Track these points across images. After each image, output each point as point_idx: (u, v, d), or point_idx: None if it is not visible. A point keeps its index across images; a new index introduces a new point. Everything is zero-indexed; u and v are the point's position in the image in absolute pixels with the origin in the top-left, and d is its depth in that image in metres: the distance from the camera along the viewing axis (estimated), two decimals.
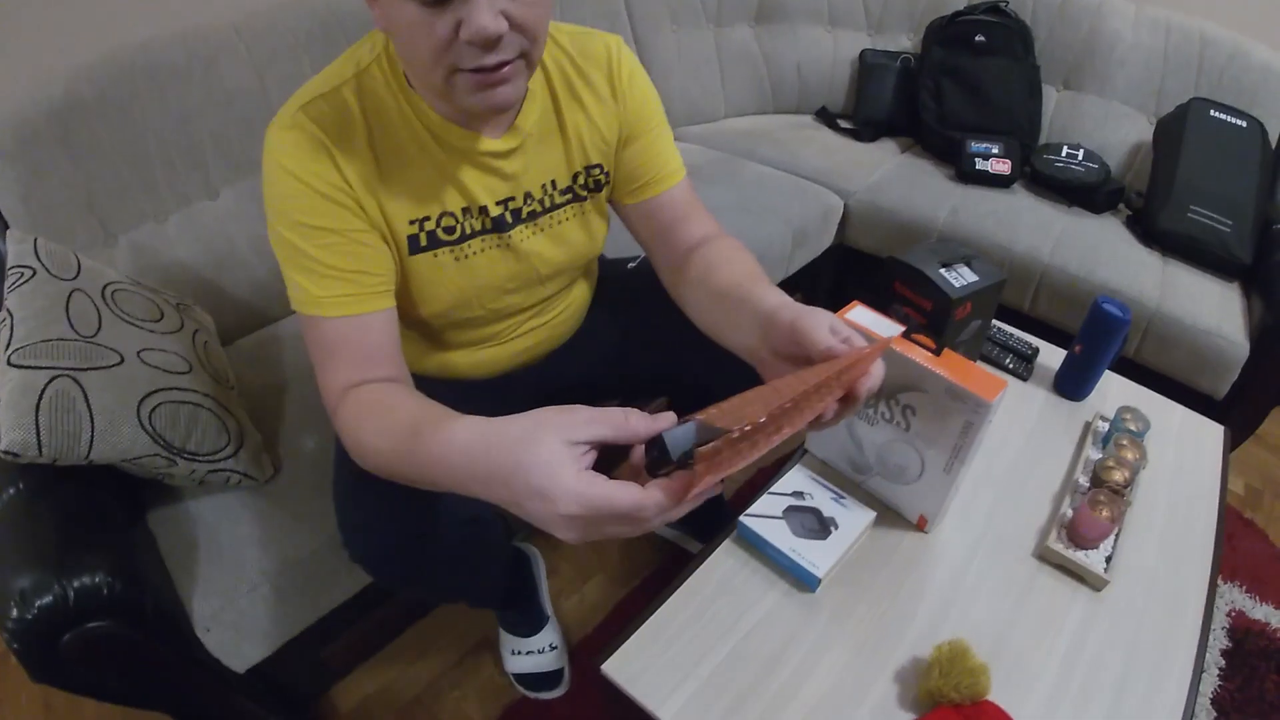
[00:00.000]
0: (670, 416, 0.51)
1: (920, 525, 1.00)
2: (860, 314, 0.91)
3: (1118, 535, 1.01)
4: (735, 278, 0.78)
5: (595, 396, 1.24)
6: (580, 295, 1.07)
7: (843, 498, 0.98)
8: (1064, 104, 2.02)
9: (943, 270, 1.10)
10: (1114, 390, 1.27)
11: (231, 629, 0.94)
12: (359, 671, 1.30)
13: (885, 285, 1.15)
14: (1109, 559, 0.97)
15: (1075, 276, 1.65)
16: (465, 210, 0.82)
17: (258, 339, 1.29)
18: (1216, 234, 1.69)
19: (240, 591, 0.94)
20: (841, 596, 0.92)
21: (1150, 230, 1.77)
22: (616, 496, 0.47)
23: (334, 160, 0.72)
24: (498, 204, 0.84)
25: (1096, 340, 1.17)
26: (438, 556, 0.88)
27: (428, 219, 0.80)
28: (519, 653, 1.29)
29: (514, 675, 1.29)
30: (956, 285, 1.09)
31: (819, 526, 0.94)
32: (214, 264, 1.24)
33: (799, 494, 0.98)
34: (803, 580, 0.90)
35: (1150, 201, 1.81)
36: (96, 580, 0.77)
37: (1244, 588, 1.48)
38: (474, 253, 0.85)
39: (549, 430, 0.49)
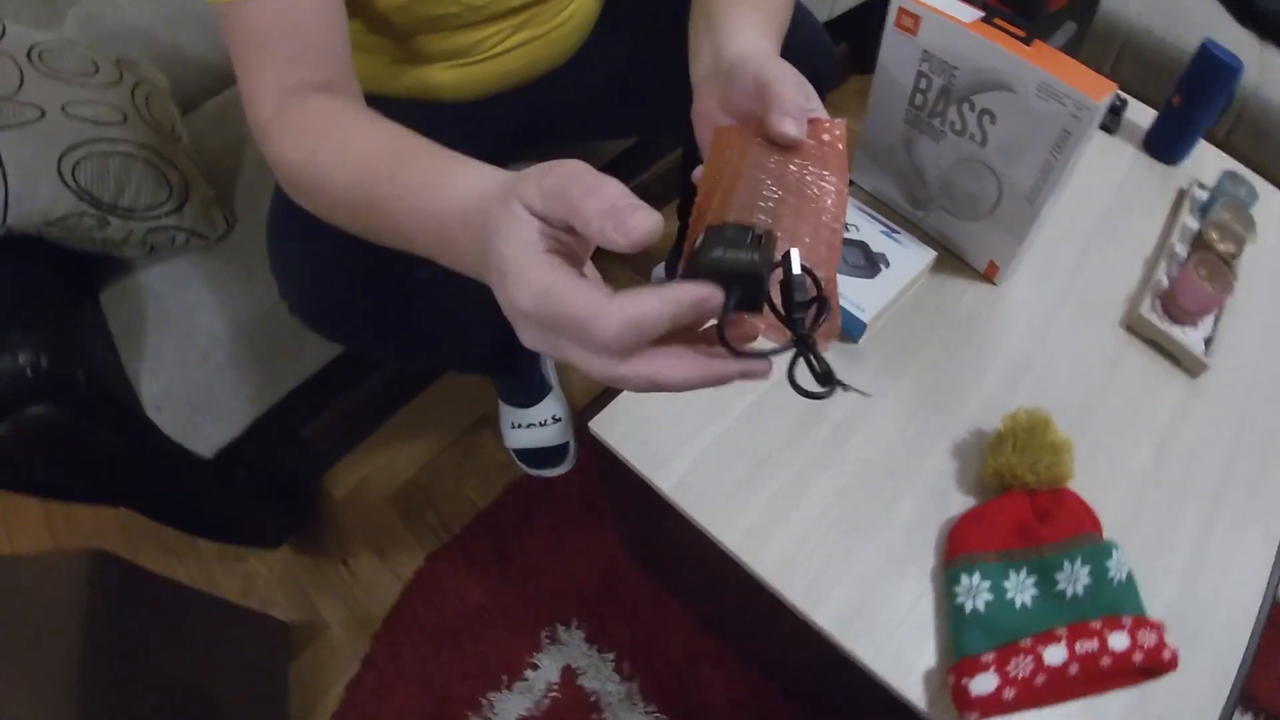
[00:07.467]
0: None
1: (989, 274, 0.77)
2: None
3: (1218, 317, 0.80)
4: None
5: (591, 135, 1.07)
6: (585, 4, 0.82)
7: (896, 232, 0.74)
8: None
9: None
10: (1210, 160, 1.03)
11: (186, 407, 0.85)
12: (351, 456, 1.20)
13: None
14: (1208, 341, 0.77)
15: (1163, 40, 1.38)
16: None
17: (221, 100, 1.14)
18: None
19: (191, 362, 0.85)
20: (891, 351, 0.71)
21: (1248, 8, 1.47)
22: (569, 296, 0.30)
23: None
24: None
25: (1199, 92, 0.93)
26: (401, 308, 0.70)
27: None
28: (519, 426, 1.14)
29: (514, 451, 1.15)
30: None
31: (866, 263, 0.71)
32: (168, 23, 1.09)
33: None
34: (844, 327, 0.71)
35: None
36: (20, 360, 0.70)
37: None
38: None
39: (524, 184, 0.33)
